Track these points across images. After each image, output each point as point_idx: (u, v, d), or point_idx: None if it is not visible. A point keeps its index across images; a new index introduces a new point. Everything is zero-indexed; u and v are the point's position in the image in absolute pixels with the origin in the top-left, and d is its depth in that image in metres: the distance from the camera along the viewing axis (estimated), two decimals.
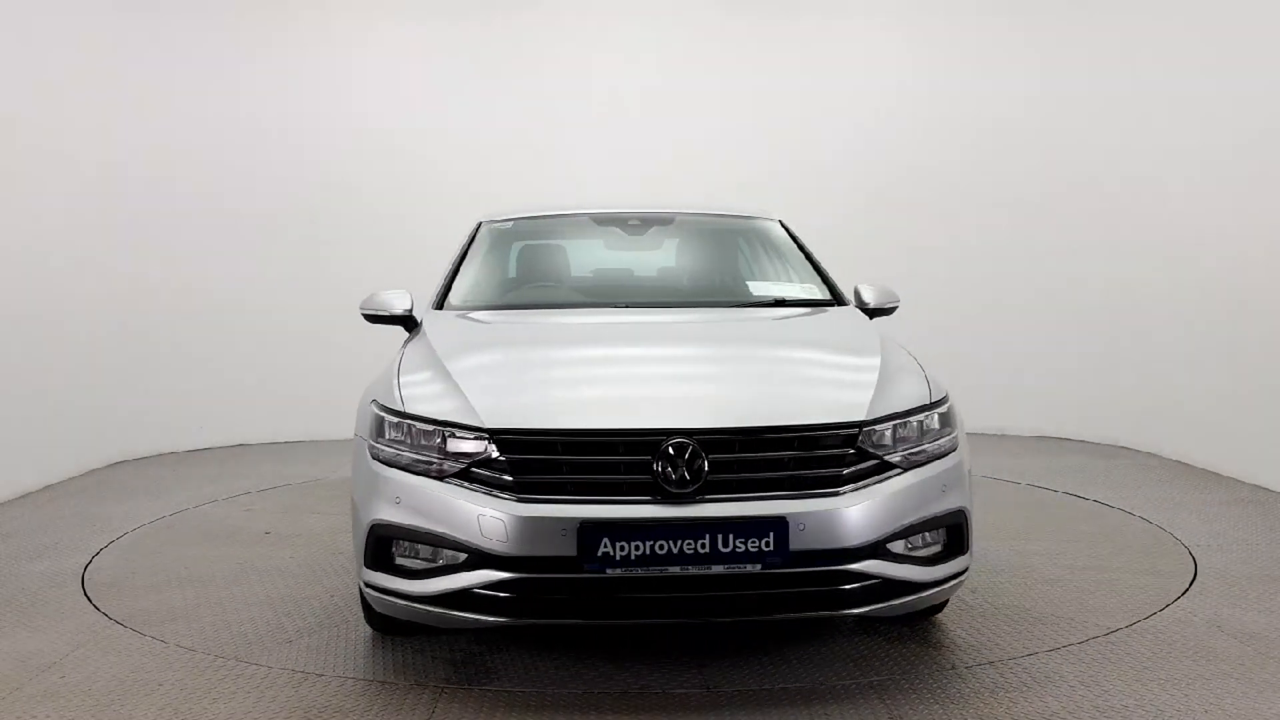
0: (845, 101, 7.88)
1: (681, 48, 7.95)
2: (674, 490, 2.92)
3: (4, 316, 6.04)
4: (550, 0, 7.97)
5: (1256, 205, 5.98)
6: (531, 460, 2.98)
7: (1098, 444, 7.39)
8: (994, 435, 7.80)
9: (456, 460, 3.02)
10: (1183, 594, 4.05)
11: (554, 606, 2.96)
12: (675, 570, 2.87)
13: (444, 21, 7.87)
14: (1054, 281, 7.63)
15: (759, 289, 4.42)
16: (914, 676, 3.26)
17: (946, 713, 3.00)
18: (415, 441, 3.10)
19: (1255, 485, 5.91)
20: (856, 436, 3.05)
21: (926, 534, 3.13)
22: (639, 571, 2.86)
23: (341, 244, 7.66)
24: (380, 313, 4.18)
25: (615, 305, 4.24)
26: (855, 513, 2.96)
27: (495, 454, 2.99)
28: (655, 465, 2.92)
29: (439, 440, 3.06)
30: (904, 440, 3.14)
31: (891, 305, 4.34)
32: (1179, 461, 6.66)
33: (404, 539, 3.06)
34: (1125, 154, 7.17)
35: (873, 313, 4.28)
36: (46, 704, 3.12)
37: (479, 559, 2.93)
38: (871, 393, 3.18)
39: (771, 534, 2.88)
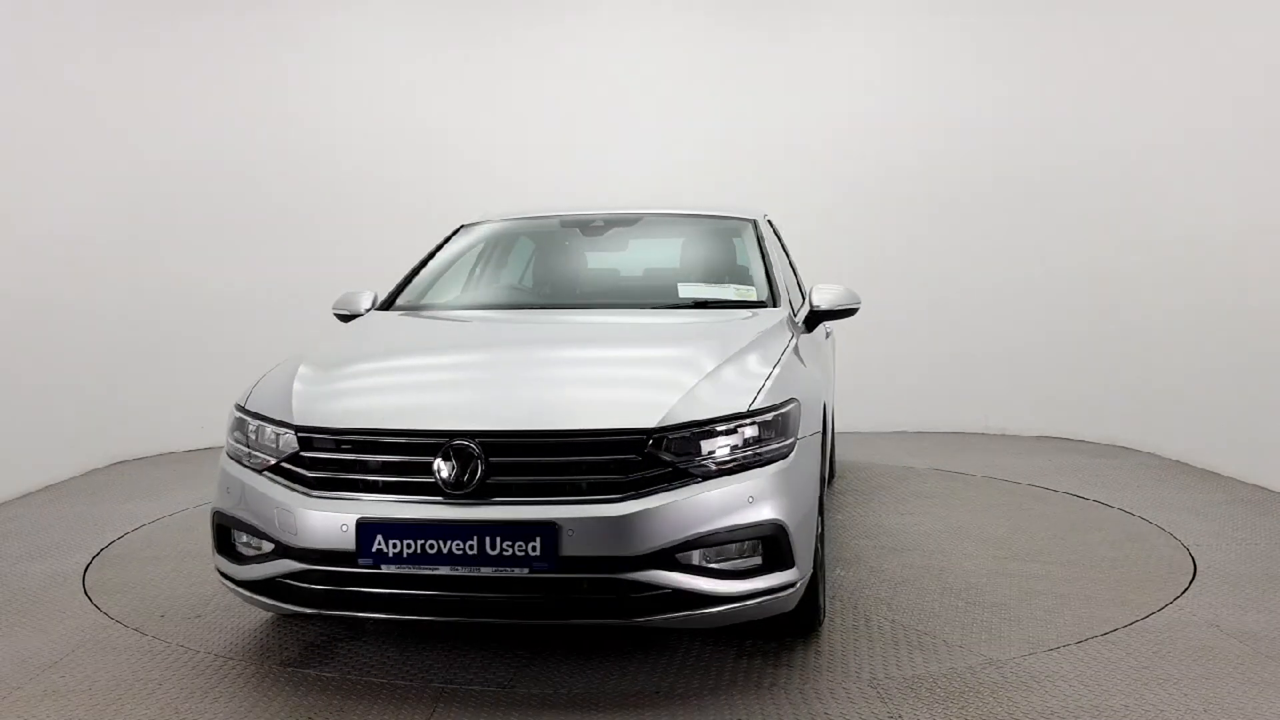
0: (846, 103, 7.89)
1: (674, 52, 7.96)
2: (451, 491, 2.96)
3: (4, 317, 6.05)
4: (547, 6, 7.99)
5: (1256, 205, 5.98)
6: (327, 458, 3.13)
7: (1098, 444, 7.39)
8: (994, 435, 7.81)
9: (274, 456, 3.21)
10: (1182, 594, 4.05)
11: (335, 598, 3.06)
12: (446, 570, 2.92)
13: (446, 15, 7.88)
14: (1054, 281, 7.64)
15: (689, 290, 4.34)
16: (913, 676, 3.26)
17: (947, 712, 2.99)
18: (252, 437, 3.31)
19: (1255, 485, 5.91)
20: (645, 443, 2.98)
21: (737, 546, 3.01)
22: (410, 569, 2.94)
23: (344, 245, 7.66)
24: (346, 312, 4.44)
25: (539, 307, 4.43)
26: (634, 521, 2.88)
27: (300, 451, 3.15)
28: (435, 466, 2.98)
29: (264, 437, 3.26)
30: (707, 449, 3.03)
31: (848, 307, 4.25)
32: (1179, 461, 6.66)
33: (232, 528, 3.27)
34: (1127, 153, 7.18)
35: (824, 315, 4.24)
36: (46, 704, 3.12)
37: (282, 550, 3.09)
38: (679, 398, 3.10)
39: (539, 539, 2.87)
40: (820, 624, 3.62)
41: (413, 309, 4.42)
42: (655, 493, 2.95)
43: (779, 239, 5.32)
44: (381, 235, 7.60)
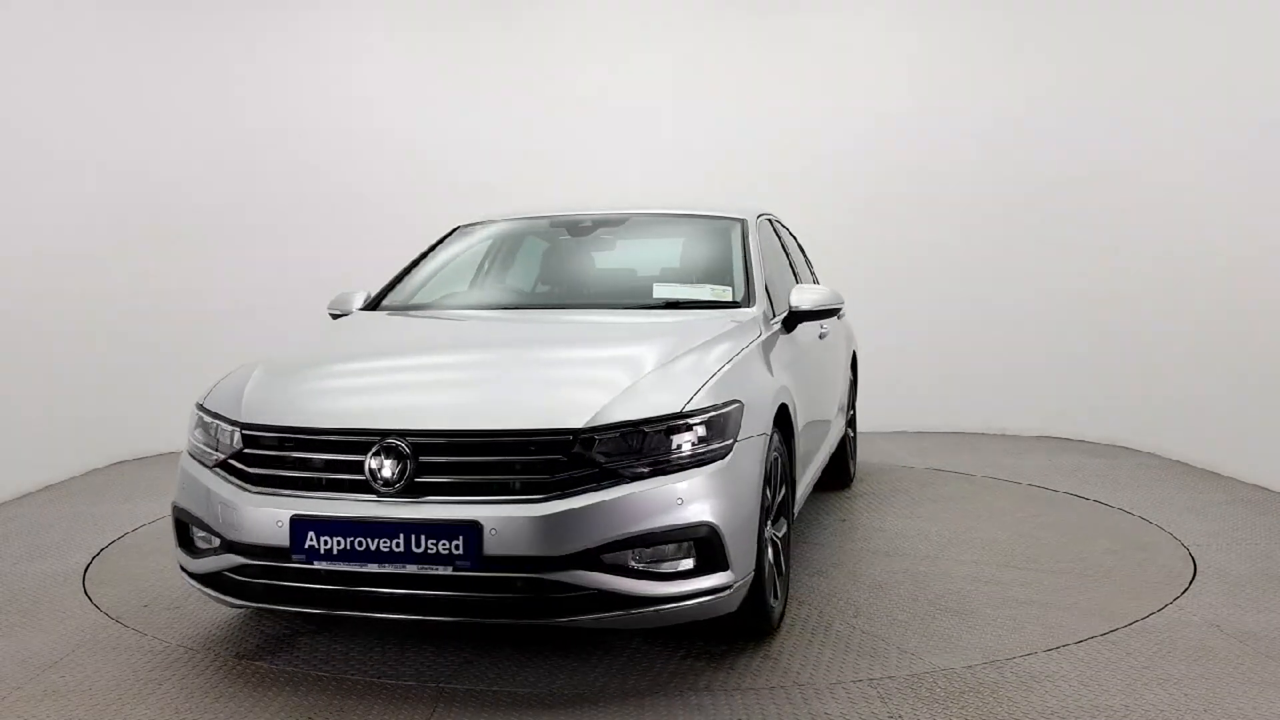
0: (849, 102, 7.88)
1: (674, 54, 7.96)
2: (382, 489, 3.01)
3: (4, 317, 6.05)
4: (547, 2, 8.00)
5: (1255, 205, 5.99)
6: (266, 455, 3.21)
7: (1098, 444, 7.39)
8: (994, 435, 7.81)
9: (224, 452, 3.29)
10: (1182, 594, 4.05)
11: (273, 593, 3.13)
12: (374, 567, 2.97)
13: (449, 18, 7.88)
14: (1055, 281, 7.64)
15: (663, 291, 4.31)
16: (914, 676, 3.26)
17: (947, 712, 2.99)
18: (209, 434, 3.39)
19: (1255, 485, 5.91)
20: (571, 443, 2.98)
21: (671, 547, 3.00)
22: (341, 565, 2.99)
23: (344, 247, 7.65)
24: (339, 311, 4.53)
25: (516, 308, 4.45)
26: (556, 521, 2.89)
27: (244, 448, 3.23)
28: (366, 464, 3.03)
29: (219, 434, 3.34)
30: (637, 449, 3.02)
31: (829, 308, 4.24)
32: (1179, 461, 6.66)
33: (189, 522, 3.35)
34: (1125, 153, 7.18)
35: (803, 315, 4.22)
36: (47, 703, 3.12)
37: (227, 545, 3.17)
38: (611, 398, 3.09)
39: (462, 538, 2.90)
40: (775, 629, 3.58)
41: (398, 309, 4.46)
42: (581, 493, 2.95)
43: (783, 239, 5.29)
44: (385, 236, 7.58)
